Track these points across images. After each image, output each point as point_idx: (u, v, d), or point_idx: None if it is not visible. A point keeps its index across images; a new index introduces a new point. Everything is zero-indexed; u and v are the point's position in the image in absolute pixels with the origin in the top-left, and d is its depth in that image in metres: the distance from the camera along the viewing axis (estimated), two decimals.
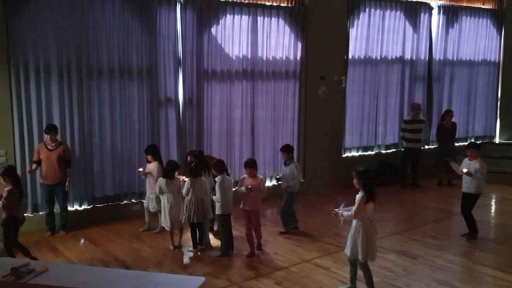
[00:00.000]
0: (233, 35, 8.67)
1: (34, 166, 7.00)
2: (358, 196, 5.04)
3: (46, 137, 7.07)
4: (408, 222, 7.91)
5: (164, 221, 6.62)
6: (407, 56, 10.92)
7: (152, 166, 7.17)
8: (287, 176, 7.11)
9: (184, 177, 6.68)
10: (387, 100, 10.79)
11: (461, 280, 5.63)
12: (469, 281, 5.60)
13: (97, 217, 7.74)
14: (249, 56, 8.87)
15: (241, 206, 6.34)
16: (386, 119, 10.85)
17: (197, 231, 6.57)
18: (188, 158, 6.96)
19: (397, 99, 10.94)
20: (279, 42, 9.18)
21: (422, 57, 11.16)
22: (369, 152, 10.70)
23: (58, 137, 7.20)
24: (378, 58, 10.47)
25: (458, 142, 11.33)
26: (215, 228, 7.25)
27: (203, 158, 6.95)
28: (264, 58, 9.05)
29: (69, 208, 7.51)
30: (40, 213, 7.37)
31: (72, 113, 7.47)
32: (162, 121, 8.19)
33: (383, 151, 10.88)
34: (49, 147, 7.06)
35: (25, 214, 7.15)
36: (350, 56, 10.00)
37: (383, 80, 10.63)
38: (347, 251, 5.16)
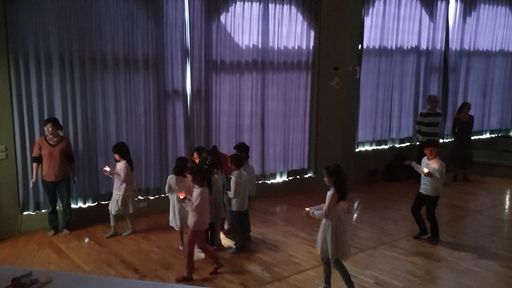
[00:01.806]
0: (243, 23, 8.27)
1: (34, 177, 6.72)
2: (329, 194, 4.85)
3: (46, 130, 6.67)
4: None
5: (173, 220, 6.28)
6: (423, 46, 10.55)
7: (120, 166, 6.73)
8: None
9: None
10: (401, 92, 10.43)
11: (491, 285, 5.27)
12: (498, 287, 5.24)
13: (102, 215, 7.36)
14: (260, 46, 8.48)
15: None
16: (401, 112, 10.50)
17: (208, 232, 6.24)
18: (195, 154, 6.61)
19: (412, 91, 10.58)
20: (291, 31, 8.78)
21: (438, 47, 10.79)
22: (383, 146, 10.35)
23: (60, 132, 6.85)
24: (393, 48, 10.09)
25: (473, 136, 10.94)
26: (225, 227, 6.93)
27: (217, 154, 6.59)
28: (275, 48, 8.66)
29: (73, 206, 7.18)
30: (43, 211, 7.03)
31: (75, 107, 7.11)
32: (169, 114, 7.83)
33: (397, 145, 10.51)
34: (51, 142, 6.71)
35: (26, 213, 6.95)
36: (364, 46, 9.60)
37: (397, 71, 10.27)
38: (318, 249, 5.00)
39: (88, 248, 6.40)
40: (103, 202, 7.44)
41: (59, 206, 7.01)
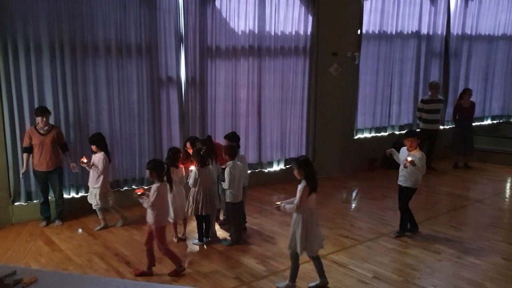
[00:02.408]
0: (239, 8, 8.03)
1: (24, 168, 6.54)
2: (300, 187, 4.70)
3: (39, 120, 6.51)
4: (426, 210, 7.41)
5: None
6: (424, 30, 10.32)
7: (97, 158, 6.48)
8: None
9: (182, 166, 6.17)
10: (401, 78, 10.23)
11: (492, 279, 5.13)
12: (500, 281, 5.11)
13: None
14: (256, 31, 8.25)
15: None
16: (401, 98, 10.32)
17: (203, 223, 6.10)
18: (188, 144, 6.43)
19: (412, 77, 10.38)
20: (288, 15, 8.55)
21: (439, 32, 10.56)
22: (382, 134, 10.18)
23: (52, 120, 6.67)
24: (393, 33, 9.86)
25: (474, 122, 10.76)
26: (221, 218, 6.79)
27: (212, 145, 6.42)
28: (272, 33, 8.43)
29: (65, 196, 7.03)
30: (35, 201, 6.89)
31: (66, 94, 6.91)
32: (163, 102, 7.63)
33: (397, 132, 10.32)
34: (41, 131, 6.52)
35: (18, 203, 6.80)
36: (363, 31, 9.36)
37: (398, 57, 10.06)
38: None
39: (81, 239, 6.26)
40: None
41: (51, 197, 6.86)
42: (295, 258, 4.85)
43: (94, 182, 6.49)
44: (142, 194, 5.11)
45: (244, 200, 6.41)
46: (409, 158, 5.94)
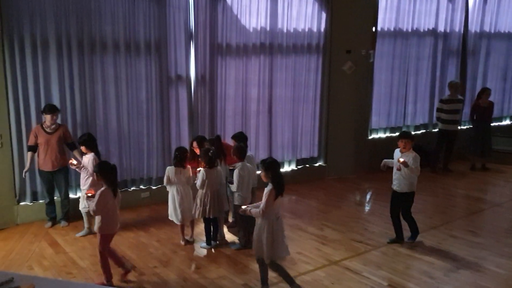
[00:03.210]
0: (250, 4, 7.82)
1: (27, 166, 6.37)
2: (266, 190, 4.50)
3: (46, 118, 6.37)
4: (443, 214, 7.15)
5: (174, 214, 5.95)
6: (441, 28, 10.04)
7: (87, 159, 6.12)
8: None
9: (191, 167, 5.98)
10: (417, 76, 9.96)
11: None
12: None
13: None
14: (268, 28, 8.04)
15: None
16: (416, 98, 10.07)
17: (211, 226, 5.92)
18: (194, 144, 6.26)
19: (428, 75, 10.11)
20: (301, 12, 8.32)
21: (457, 29, 10.27)
22: (397, 134, 9.82)
23: (59, 119, 6.52)
24: (409, 30, 9.61)
25: (492, 123, 10.44)
26: (230, 220, 6.60)
27: (221, 145, 6.22)
28: (284, 30, 8.21)
29: (71, 196, 6.88)
30: (40, 201, 6.75)
31: (73, 92, 6.76)
32: (172, 100, 7.46)
33: (412, 132, 10.00)
34: (47, 130, 6.38)
35: (23, 203, 6.67)
36: (378, 28, 9.10)
37: (413, 55, 9.81)
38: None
39: (86, 241, 6.10)
40: None
41: (57, 197, 6.72)
42: (262, 262, 4.67)
43: (84, 184, 6.17)
44: (92, 196, 4.82)
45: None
46: (401, 159, 5.68)
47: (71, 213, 6.74)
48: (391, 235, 6.26)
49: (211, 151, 5.70)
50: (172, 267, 5.34)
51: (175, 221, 5.97)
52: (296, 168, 8.80)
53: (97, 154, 6.18)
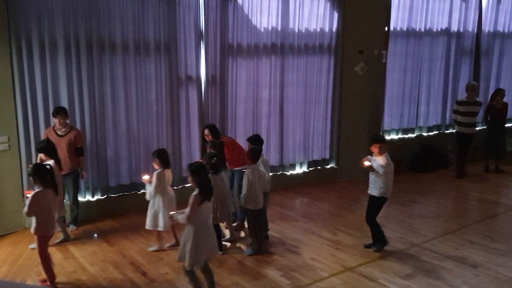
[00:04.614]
0: (261, 4, 7.69)
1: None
2: (192, 195, 4.39)
3: (54, 121, 6.27)
4: (459, 218, 6.98)
5: (159, 220, 5.71)
6: (454, 28, 9.85)
7: None
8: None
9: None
10: (430, 77, 9.77)
11: None
12: None
13: (112, 209, 7.01)
14: (279, 28, 7.90)
15: None
16: (429, 99, 9.88)
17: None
18: (206, 131, 6.28)
19: (442, 76, 9.92)
20: (313, 11, 8.17)
21: (470, 29, 10.09)
22: (410, 135, 9.75)
23: (68, 121, 6.41)
24: (422, 30, 9.42)
25: (507, 124, 10.24)
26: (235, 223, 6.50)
27: (222, 150, 6.03)
28: (296, 30, 8.06)
29: (81, 199, 6.78)
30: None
31: (81, 94, 6.66)
32: (182, 102, 7.34)
33: (425, 134, 9.90)
34: (58, 132, 6.28)
35: None
36: (391, 28, 8.93)
37: (426, 55, 9.63)
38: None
39: (95, 246, 5.99)
40: (112, 195, 7.06)
41: (66, 200, 6.60)
42: (203, 270, 4.56)
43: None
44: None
45: (266, 207, 6.08)
46: (366, 163, 5.53)
47: (81, 216, 6.64)
48: (406, 240, 6.12)
49: (215, 157, 5.56)
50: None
51: (160, 228, 5.74)
52: (307, 170, 8.66)
53: (57, 161, 5.78)
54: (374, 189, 5.65)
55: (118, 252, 5.81)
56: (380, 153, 5.55)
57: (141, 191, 7.21)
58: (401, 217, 7.02)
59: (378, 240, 5.78)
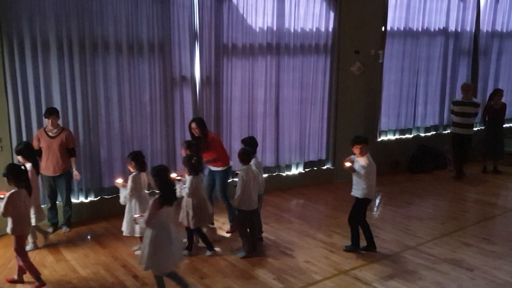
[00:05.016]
0: (256, 3, 7.62)
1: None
2: (152, 199, 4.34)
3: (46, 122, 6.21)
4: (456, 220, 6.92)
5: (135, 225, 5.51)
6: (452, 27, 9.79)
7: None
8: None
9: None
10: (428, 77, 9.72)
11: None
12: None
13: (105, 211, 6.94)
14: (275, 28, 7.83)
15: None
16: (427, 99, 9.83)
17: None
18: (193, 124, 6.24)
19: (439, 76, 9.86)
20: (308, 11, 8.11)
21: (468, 29, 10.03)
22: (407, 136, 9.69)
23: (60, 122, 6.35)
24: (419, 29, 9.36)
25: (505, 124, 10.18)
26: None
27: (198, 151, 5.96)
28: (292, 30, 8.00)
29: (74, 201, 6.72)
30: (42, 206, 6.56)
31: (74, 94, 6.59)
32: (176, 102, 7.28)
33: (422, 134, 9.84)
34: (50, 133, 6.22)
35: None
36: (388, 28, 8.86)
37: (424, 55, 9.56)
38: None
39: (88, 249, 5.93)
40: (106, 197, 7.00)
41: (59, 201, 6.55)
42: (172, 275, 4.51)
43: None
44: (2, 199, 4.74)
45: (260, 209, 6.01)
46: (347, 164, 5.48)
47: (74, 217, 6.58)
48: (402, 242, 6.06)
49: (194, 158, 5.50)
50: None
51: (137, 234, 5.60)
52: (303, 171, 8.60)
53: (34, 165, 5.71)
54: (357, 191, 5.60)
55: (111, 254, 5.75)
56: (362, 154, 5.48)
57: None
58: (397, 219, 6.96)
59: (354, 242, 5.74)
